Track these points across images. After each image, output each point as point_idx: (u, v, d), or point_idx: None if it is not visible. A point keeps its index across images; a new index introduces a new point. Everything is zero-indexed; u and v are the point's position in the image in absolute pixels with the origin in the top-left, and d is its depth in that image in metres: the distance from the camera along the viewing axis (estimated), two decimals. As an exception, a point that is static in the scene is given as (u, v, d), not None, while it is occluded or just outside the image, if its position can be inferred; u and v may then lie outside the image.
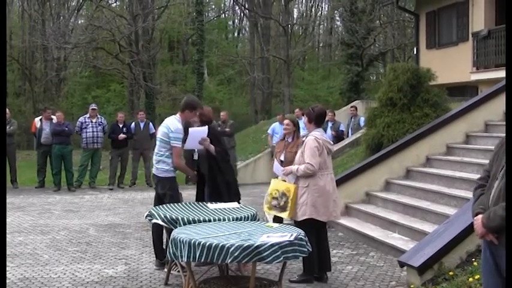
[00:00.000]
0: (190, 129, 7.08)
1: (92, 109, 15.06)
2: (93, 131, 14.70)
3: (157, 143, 7.04)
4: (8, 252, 7.82)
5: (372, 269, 7.06)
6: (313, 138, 6.45)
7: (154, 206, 6.92)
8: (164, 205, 6.63)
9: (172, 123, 6.96)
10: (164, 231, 6.69)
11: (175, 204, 6.69)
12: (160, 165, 6.97)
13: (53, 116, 14.84)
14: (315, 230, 6.48)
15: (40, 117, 15.12)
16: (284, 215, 6.58)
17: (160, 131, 7.03)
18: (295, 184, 6.53)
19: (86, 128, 14.72)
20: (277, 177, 6.93)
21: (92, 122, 14.79)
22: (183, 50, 42.07)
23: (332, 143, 7.12)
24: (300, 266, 7.06)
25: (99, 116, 15.20)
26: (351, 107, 17.04)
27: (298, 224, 6.39)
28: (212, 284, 5.61)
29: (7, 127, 14.37)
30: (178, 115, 7.07)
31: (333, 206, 6.57)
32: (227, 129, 15.46)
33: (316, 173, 6.39)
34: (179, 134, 6.88)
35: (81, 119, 15.15)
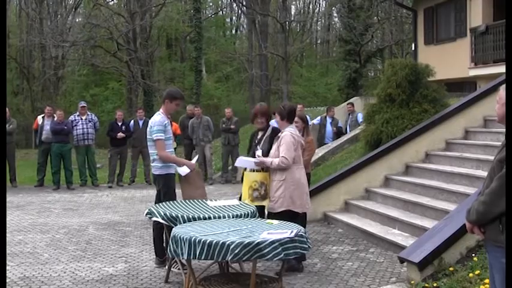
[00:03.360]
0: (238, 160, 7.27)
1: (82, 106, 15.08)
2: (83, 128, 14.69)
3: (148, 143, 7.12)
4: (8, 251, 7.81)
5: (372, 265, 7.06)
6: (289, 133, 6.73)
7: (155, 203, 6.96)
8: (164, 203, 6.64)
9: (153, 119, 7.08)
10: (165, 229, 6.68)
11: (175, 201, 6.70)
12: (155, 163, 7.06)
13: (54, 115, 14.84)
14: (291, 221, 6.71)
15: (43, 114, 15.11)
16: (266, 202, 6.84)
17: (147, 131, 7.13)
18: (266, 172, 6.83)
19: (76, 125, 14.72)
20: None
21: (81, 119, 14.78)
22: (181, 48, 42.07)
23: (304, 138, 7.43)
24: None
25: (89, 113, 15.19)
26: (348, 104, 17.03)
27: (274, 215, 6.62)
28: (213, 281, 5.61)
29: (6, 126, 14.36)
30: (160, 109, 7.17)
31: (306, 199, 6.95)
32: (232, 126, 15.40)
33: (291, 167, 6.67)
34: (159, 126, 6.93)
35: (71, 117, 15.13)
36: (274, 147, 6.85)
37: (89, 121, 14.88)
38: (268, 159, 6.76)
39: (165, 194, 6.98)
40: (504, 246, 3.50)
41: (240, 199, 7.04)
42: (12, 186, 14.67)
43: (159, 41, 40.21)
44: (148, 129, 7.11)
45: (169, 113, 7.15)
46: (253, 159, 6.95)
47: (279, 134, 6.91)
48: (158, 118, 7.00)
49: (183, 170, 7.15)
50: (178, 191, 7.17)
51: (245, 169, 7.15)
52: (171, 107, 7.10)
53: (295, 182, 6.71)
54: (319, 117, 16.44)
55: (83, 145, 14.78)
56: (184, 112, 16.38)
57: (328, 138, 15.75)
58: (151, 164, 7.15)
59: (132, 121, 15.65)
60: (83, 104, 15.39)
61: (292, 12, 45.94)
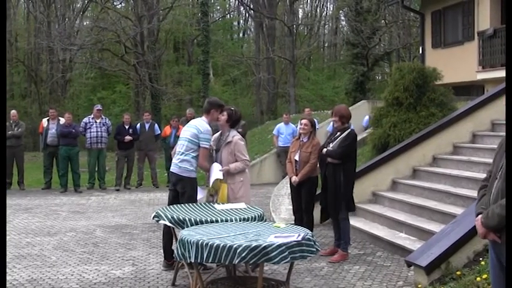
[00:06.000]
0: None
1: (98, 109, 15.06)
2: (97, 131, 14.69)
3: (184, 142, 6.97)
4: (15, 253, 7.87)
5: (379, 269, 7.05)
6: (239, 137, 7.22)
7: (168, 204, 6.91)
8: (172, 206, 6.63)
9: (202, 124, 6.97)
10: (175, 232, 6.67)
11: (183, 205, 6.67)
12: (184, 164, 6.90)
13: (60, 118, 14.88)
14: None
15: (47, 117, 15.15)
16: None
17: (189, 132, 6.98)
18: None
19: (90, 128, 14.71)
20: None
21: (96, 122, 14.79)
22: (188, 51, 42.15)
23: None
24: (308, 266, 7.09)
25: (103, 117, 15.20)
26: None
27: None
28: (219, 285, 5.63)
29: (15, 129, 14.45)
30: (204, 117, 7.10)
31: None
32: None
33: None
34: (208, 135, 6.91)
35: (85, 119, 15.15)
36: (226, 153, 7.04)
37: (103, 124, 14.88)
38: (231, 165, 7.02)
39: (190, 196, 6.88)
40: None
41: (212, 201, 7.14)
42: (20, 188, 14.73)
43: (166, 44, 40.31)
44: (192, 130, 6.96)
45: (213, 121, 7.14)
46: (219, 169, 7.03)
47: (227, 139, 7.10)
48: (207, 126, 6.96)
49: (198, 195, 7.16)
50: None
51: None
52: (217, 115, 7.10)
53: (248, 180, 7.32)
54: (330, 124, 16.27)
55: (95, 148, 14.79)
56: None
57: None
58: (178, 164, 6.95)
59: (139, 124, 15.67)
60: (98, 107, 15.38)
61: (300, 16, 46.02)
